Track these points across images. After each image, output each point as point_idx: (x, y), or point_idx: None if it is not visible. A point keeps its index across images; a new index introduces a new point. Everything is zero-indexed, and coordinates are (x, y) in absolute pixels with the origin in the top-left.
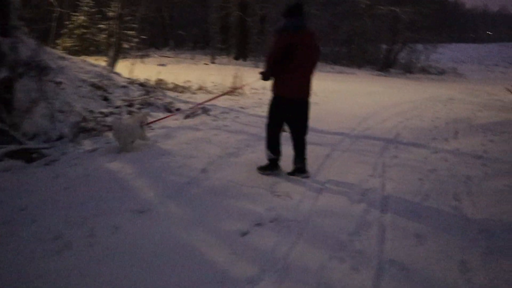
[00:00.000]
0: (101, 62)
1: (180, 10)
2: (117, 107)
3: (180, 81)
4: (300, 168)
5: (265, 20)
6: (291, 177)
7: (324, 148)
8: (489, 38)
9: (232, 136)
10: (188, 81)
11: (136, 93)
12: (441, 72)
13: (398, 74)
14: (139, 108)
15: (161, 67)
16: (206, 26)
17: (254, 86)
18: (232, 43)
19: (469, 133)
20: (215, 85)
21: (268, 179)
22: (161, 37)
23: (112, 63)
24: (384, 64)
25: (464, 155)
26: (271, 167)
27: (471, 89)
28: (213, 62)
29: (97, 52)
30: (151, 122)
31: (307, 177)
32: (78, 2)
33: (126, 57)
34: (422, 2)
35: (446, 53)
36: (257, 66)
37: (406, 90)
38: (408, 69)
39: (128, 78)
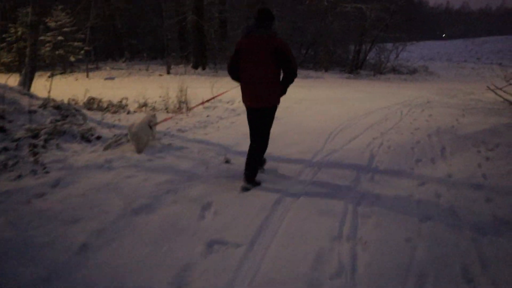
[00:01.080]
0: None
1: (134, 17)
2: (15, 140)
3: (119, 97)
4: (247, 175)
5: (226, 25)
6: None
7: (270, 193)
8: (455, 34)
9: (152, 178)
10: (126, 98)
11: (48, 119)
12: (412, 71)
13: (368, 76)
14: (46, 140)
15: (108, 81)
16: (162, 34)
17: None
18: (191, 51)
19: (459, 149)
20: (164, 100)
21: (178, 263)
22: (117, 48)
23: (25, 82)
24: (353, 66)
25: (460, 185)
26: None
27: (446, 89)
28: (168, 73)
29: (44, 67)
30: (160, 122)
31: (247, 189)
32: (17, 13)
33: (63, 73)
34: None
35: (415, 51)
36: (216, 75)
37: (378, 93)
38: (378, 70)
39: (44, 99)
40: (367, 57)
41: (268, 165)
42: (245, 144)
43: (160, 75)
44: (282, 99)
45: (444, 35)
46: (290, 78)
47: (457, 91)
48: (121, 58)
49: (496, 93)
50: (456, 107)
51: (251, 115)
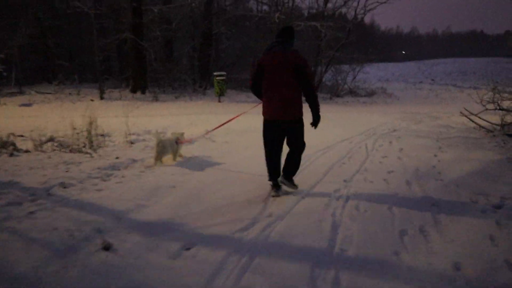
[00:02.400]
0: None
1: (69, 36)
2: None
3: (26, 128)
4: (287, 178)
5: (171, 45)
6: None
7: None
8: (406, 56)
9: None
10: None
11: None
12: (371, 93)
13: (325, 99)
14: None
15: (23, 108)
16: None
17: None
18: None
19: (454, 206)
20: (78, 133)
21: None
22: (50, 69)
23: None
24: None
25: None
26: (274, 185)
27: (410, 113)
28: (102, 98)
29: None
30: (186, 141)
31: (295, 186)
32: None
33: None
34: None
35: (371, 73)
36: (156, 99)
37: (337, 120)
38: (335, 92)
39: None
40: (323, 79)
41: (174, 246)
42: (151, 206)
43: (92, 100)
44: (224, 129)
45: (403, 52)
46: (312, 98)
47: (422, 116)
48: (54, 81)
49: (472, 120)
50: (427, 136)
51: (276, 130)
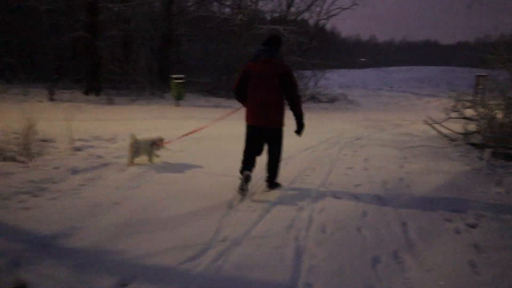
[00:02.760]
0: None
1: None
2: None
3: None
4: (269, 183)
5: (131, 46)
6: None
7: None
8: (365, 63)
9: None
10: None
11: None
12: (332, 100)
13: (286, 105)
14: None
15: None
16: (48, 52)
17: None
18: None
19: (427, 226)
20: (15, 138)
21: None
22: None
23: None
24: None
25: None
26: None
27: (372, 120)
28: (52, 99)
29: None
30: (165, 143)
31: (279, 186)
32: None
33: None
34: (304, 24)
35: (332, 79)
36: (110, 102)
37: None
38: None
39: None
40: None
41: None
42: (87, 229)
43: (40, 101)
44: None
45: (364, 59)
46: (296, 107)
47: (384, 123)
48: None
49: (435, 129)
50: (391, 145)
51: (257, 135)
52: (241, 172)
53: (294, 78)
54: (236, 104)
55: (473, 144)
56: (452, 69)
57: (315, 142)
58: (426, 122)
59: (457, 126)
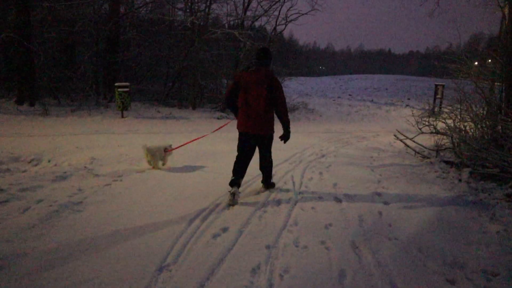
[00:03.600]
0: None
1: None
2: None
3: None
4: (267, 186)
5: (73, 50)
6: None
7: None
8: (323, 71)
9: None
10: None
11: None
12: (292, 109)
13: None
14: None
15: None
16: None
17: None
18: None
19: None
20: None
21: None
22: None
23: None
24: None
25: None
26: (231, 182)
27: (335, 132)
28: None
29: None
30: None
31: (273, 186)
32: None
33: None
34: (262, 30)
35: (291, 86)
36: (46, 113)
37: None
38: None
39: None
40: None
41: None
42: None
43: None
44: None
45: (323, 67)
46: (283, 116)
47: (348, 136)
48: None
49: (407, 145)
50: (360, 163)
51: (248, 142)
52: (231, 184)
53: (282, 92)
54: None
55: (447, 162)
56: (405, 77)
57: (275, 162)
58: (397, 138)
59: (426, 139)
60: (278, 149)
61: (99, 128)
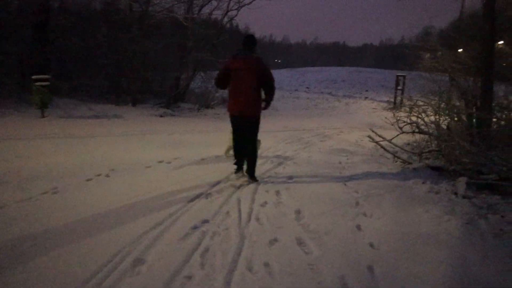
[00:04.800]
0: None
1: None
2: None
3: None
4: (249, 173)
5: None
6: None
7: None
8: (279, 64)
9: None
10: None
11: None
12: None
13: (191, 111)
14: None
15: None
16: None
17: None
18: None
19: None
20: None
21: None
22: None
23: None
24: (172, 98)
25: None
26: (236, 169)
27: (294, 130)
28: None
29: None
30: None
31: (256, 181)
32: None
33: None
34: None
35: None
36: None
37: (198, 148)
38: (205, 103)
39: None
40: (191, 86)
41: None
42: None
43: None
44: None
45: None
46: (271, 94)
47: (308, 134)
48: None
49: (384, 149)
50: (328, 173)
51: (239, 123)
52: (236, 171)
53: (271, 74)
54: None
55: (434, 168)
56: (360, 69)
57: (218, 177)
58: (372, 139)
59: (399, 137)
60: (223, 158)
61: (6, 132)
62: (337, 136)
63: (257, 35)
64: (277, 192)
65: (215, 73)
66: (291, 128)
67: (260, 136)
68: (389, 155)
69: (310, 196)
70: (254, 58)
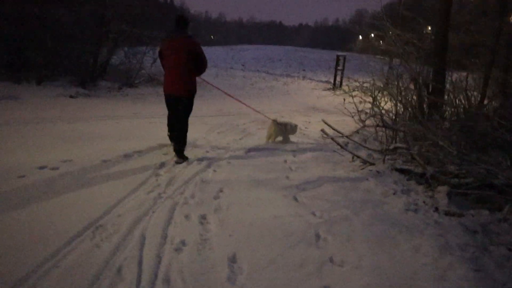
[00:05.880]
0: None
1: None
2: None
3: None
4: (176, 151)
5: None
6: None
7: None
8: (215, 41)
9: None
10: None
11: None
12: None
13: (111, 91)
14: None
15: None
16: None
17: None
18: None
19: None
20: None
21: None
22: None
23: None
24: (89, 75)
25: None
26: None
27: (230, 115)
28: None
29: None
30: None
31: (179, 163)
32: None
33: None
34: None
35: None
36: None
37: (111, 140)
38: (128, 81)
39: None
40: (114, 62)
41: None
42: None
43: None
44: None
45: (212, 36)
46: (201, 70)
47: (245, 119)
48: None
49: (341, 146)
50: (271, 180)
51: (171, 102)
52: (170, 139)
53: (202, 52)
54: None
55: (403, 172)
56: (297, 49)
57: (124, 192)
58: (325, 135)
59: (349, 126)
60: (136, 155)
61: None
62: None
63: (192, 11)
64: (202, 219)
65: (142, 48)
66: (225, 112)
67: (190, 121)
68: (344, 151)
69: (251, 226)
70: (184, 38)
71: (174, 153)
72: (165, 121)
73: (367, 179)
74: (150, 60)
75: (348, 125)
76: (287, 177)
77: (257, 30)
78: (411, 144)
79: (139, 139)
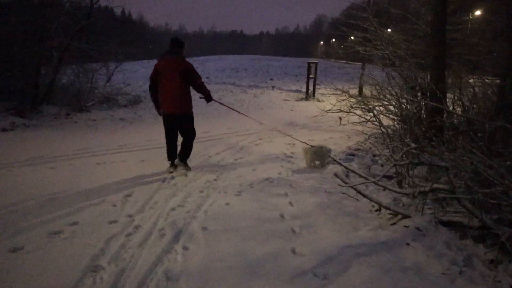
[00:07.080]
0: None
1: None
2: None
3: None
4: (181, 160)
5: None
6: None
7: None
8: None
9: None
10: None
11: None
12: (135, 101)
13: (57, 118)
14: None
15: None
16: None
17: None
18: None
19: None
20: None
21: None
22: None
23: None
24: (32, 101)
25: None
26: (170, 165)
27: (202, 138)
28: None
29: None
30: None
31: (189, 168)
32: None
33: None
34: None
35: (139, 71)
36: None
37: (49, 192)
38: (78, 104)
39: None
40: (62, 82)
41: None
42: None
43: None
44: None
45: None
46: (201, 88)
47: (218, 146)
48: None
49: (363, 194)
50: (273, 257)
51: (171, 121)
52: (168, 159)
53: (194, 71)
54: None
55: (450, 224)
56: (260, 57)
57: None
58: (342, 183)
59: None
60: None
61: None
62: (256, 146)
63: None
64: None
65: (94, 65)
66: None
67: (145, 156)
68: (357, 194)
69: None
70: (180, 59)
71: (177, 168)
72: (118, 157)
73: (408, 244)
74: (104, 78)
75: (337, 143)
76: (293, 251)
77: (219, 40)
78: (457, 184)
79: (75, 201)
